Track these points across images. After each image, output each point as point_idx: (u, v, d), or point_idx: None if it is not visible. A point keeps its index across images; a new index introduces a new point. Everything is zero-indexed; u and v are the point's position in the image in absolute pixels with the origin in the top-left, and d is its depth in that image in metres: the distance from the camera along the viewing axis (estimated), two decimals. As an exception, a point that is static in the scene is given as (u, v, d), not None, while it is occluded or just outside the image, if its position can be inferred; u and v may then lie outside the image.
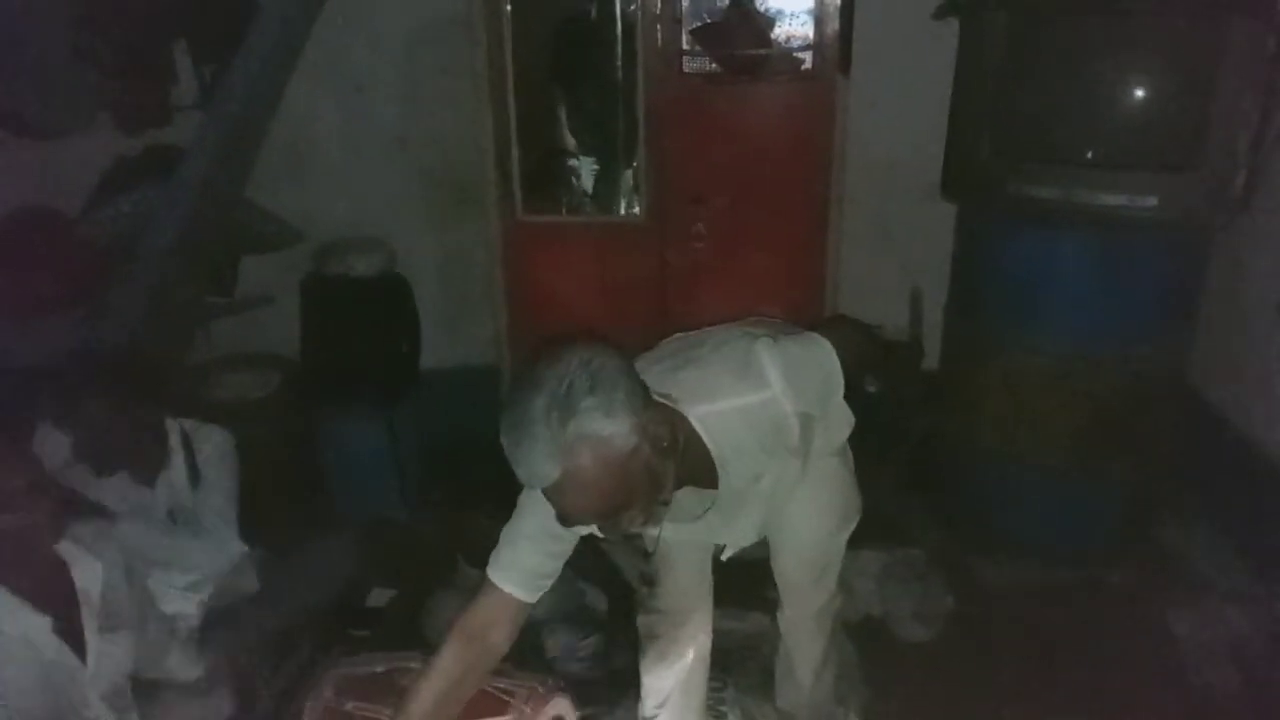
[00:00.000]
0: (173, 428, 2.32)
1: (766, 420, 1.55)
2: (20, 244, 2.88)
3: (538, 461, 1.30)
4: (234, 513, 2.38)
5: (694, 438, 1.51)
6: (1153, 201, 2.54)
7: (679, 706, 2.14)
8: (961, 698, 2.45)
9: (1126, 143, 2.62)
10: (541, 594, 1.63)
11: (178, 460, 2.32)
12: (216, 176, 2.86)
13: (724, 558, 1.93)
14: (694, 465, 1.53)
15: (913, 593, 2.80)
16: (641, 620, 2.15)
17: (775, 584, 2.12)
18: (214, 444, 2.37)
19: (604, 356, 1.36)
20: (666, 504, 1.50)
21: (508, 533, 1.61)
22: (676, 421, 1.48)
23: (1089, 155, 2.63)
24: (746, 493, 1.68)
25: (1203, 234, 2.78)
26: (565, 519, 1.40)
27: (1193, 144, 2.51)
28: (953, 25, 2.98)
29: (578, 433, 1.29)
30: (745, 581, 2.16)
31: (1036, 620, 2.72)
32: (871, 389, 1.99)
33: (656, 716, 2.14)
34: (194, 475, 2.33)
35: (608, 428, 1.31)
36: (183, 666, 2.06)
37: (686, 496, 1.61)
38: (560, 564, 1.63)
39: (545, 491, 1.35)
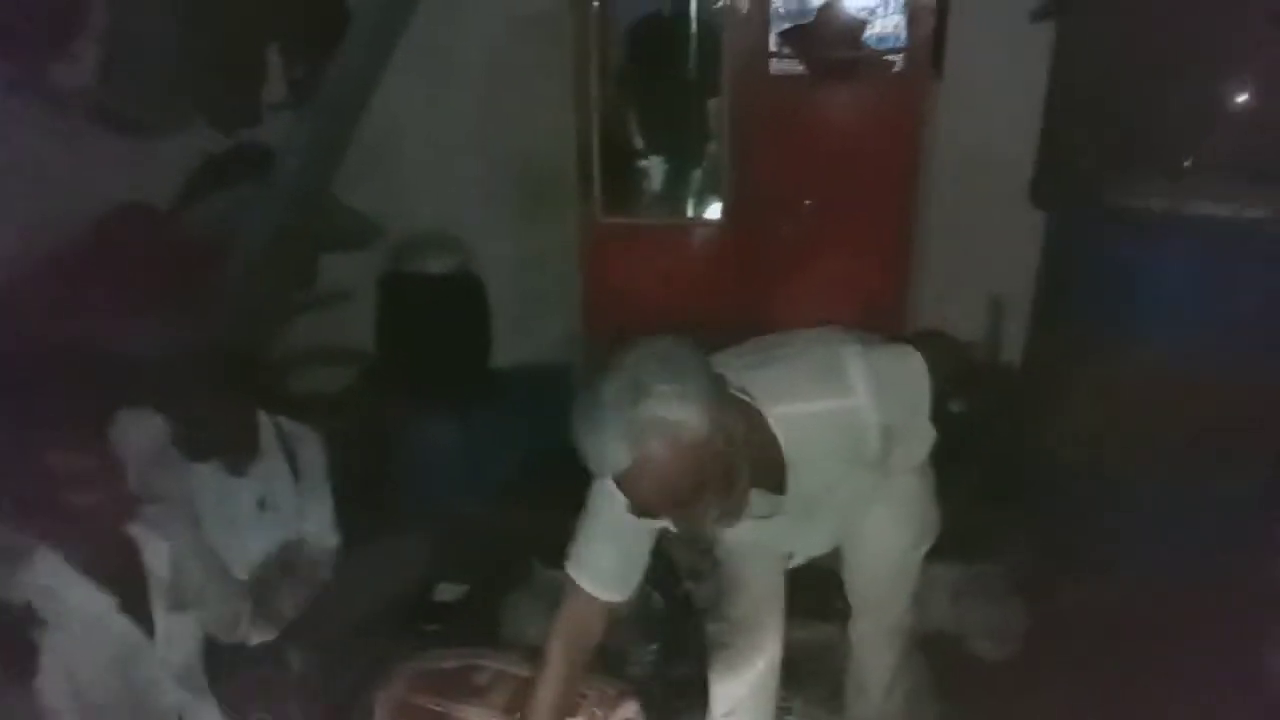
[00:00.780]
0: (265, 422, 2.40)
1: (847, 428, 1.52)
2: (119, 238, 2.98)
3: (609, 447, 1.30)
4: (331, 511, 2.51)
5: (769, 437, 1.49)
6: (1260, 213, 2.44)
7: (748, 716, 2.11)
8: (1036, 717, 2.39)
9: (1232, 151, 2.52)
10: (631, 590, 1.64)
11: (272, 453, 2.41)
12: (307, 176, 2.92)
13: (791, 564, 1.92)
14: (764, 466, 1.51)
15: (988, 608, 2.73)
16: (711, 628, 2.13)
17: (846, 595, 2.08)
18: (312, 443, 2.48)
19: (679, 348, 1.38)
20: (743, 501, 1.49)
21: (584, 532, 1.61)
22: (753, 419, 1.47)
23: (1191, 163, 2.54)
24: (818, 501, 1.66)
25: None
26: (636, 508, 1.39)
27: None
28: (1048, 27, 2.90)
29: (649, 417, 1.29)
30: (815, 591, 2.13)
31: (1118, 643, 2.62)
32: (956, 409, 1.94)
33: None
34: (294, 470, 2.43)
35: (680, 414, 1.31)
36: (256, 631, 2.12)
37: (754, 498, 1.58)
38: (643, 560, 1.63)
39: (616, 479, 1.34)
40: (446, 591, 2.88)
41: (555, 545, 2.37)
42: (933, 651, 2.52)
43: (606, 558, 1.59)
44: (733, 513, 1.49)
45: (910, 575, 2.03)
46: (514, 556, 2.86)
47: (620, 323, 3.66)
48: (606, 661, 2.47)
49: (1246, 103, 2.52)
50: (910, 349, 1.66)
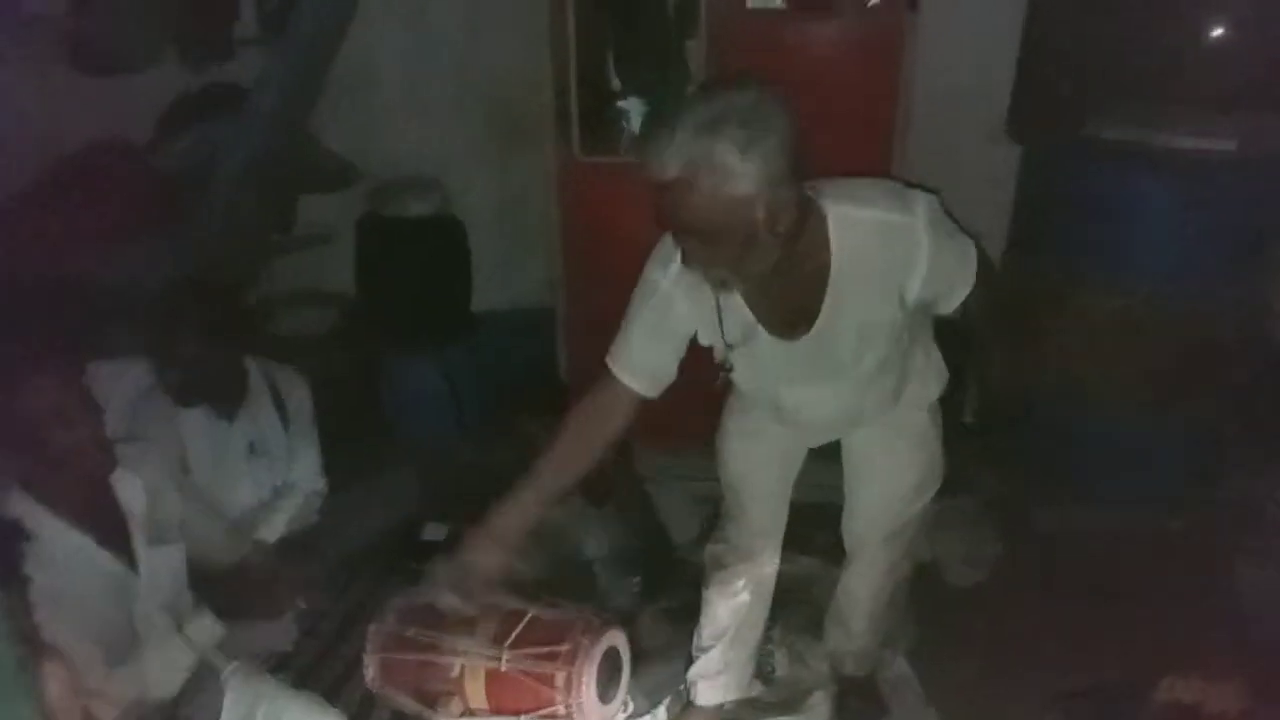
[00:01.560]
0: (251, 366, 2.40)
1: (899, 244, 1.54)
2: (93, 174, 2.93)
3: (662, 156, 1.37)
4: (318, 457, 2.55)
5: (822, 239, 1.52)
6: (1232, 144, 2.46)
7: (733, 642, 2.17)
8: (1008, 642, 2.45)
9: (1207, 82, 2.53)
10: (657, 389, 1.69)
11: (261, 398, 2.42)
12: (283, 111, 2.89)
13: (802, 417, 1.89)
14: (809, 271, 1.54)
15: (962, 537, 2.80)
16: (710, 549, 2.18)
17: (838, 534, 2.12)
18: (299, 389, 2.51)
19: (777, 110, 1.40)
20: (748, 281, 1.54)
21: (624, 328, 1.68)
22: (810, 214, 1.51)
23: (1167, 94, 2.56)
24: (842, 356, 1.67)
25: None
26: (658, 216, 1.46)
27: (1275, 84, 2.42)
28: (1026, -42, 2.89)
29: (706, 153, 1.35)
30: (798, 525, 2.17)
31: (1092, 567, 2.70)
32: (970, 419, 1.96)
33: (712, 648, 2.16)
34: (283, 416, 2.45)
35: (734, 164, 1.36)
36: (229, 550, 2.13)
37: (784, 311, 1.62)
38: (673, 361, 1.69)
39: (657, 184, 1.40)
40: (434, 531, 2.91)
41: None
42: (909, 579, 2.60)
43: (640, 351, 1.66)
44: (737, 280, 1.52)
45: (910, 523, 2.05)
46: (495, 493, 2.88)
47: (597, 263, 3.68)
48: (592, 594, 2.55)
49: (1217, 35, 2.52)
50: (970, 238, 1.68)
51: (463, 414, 3.49)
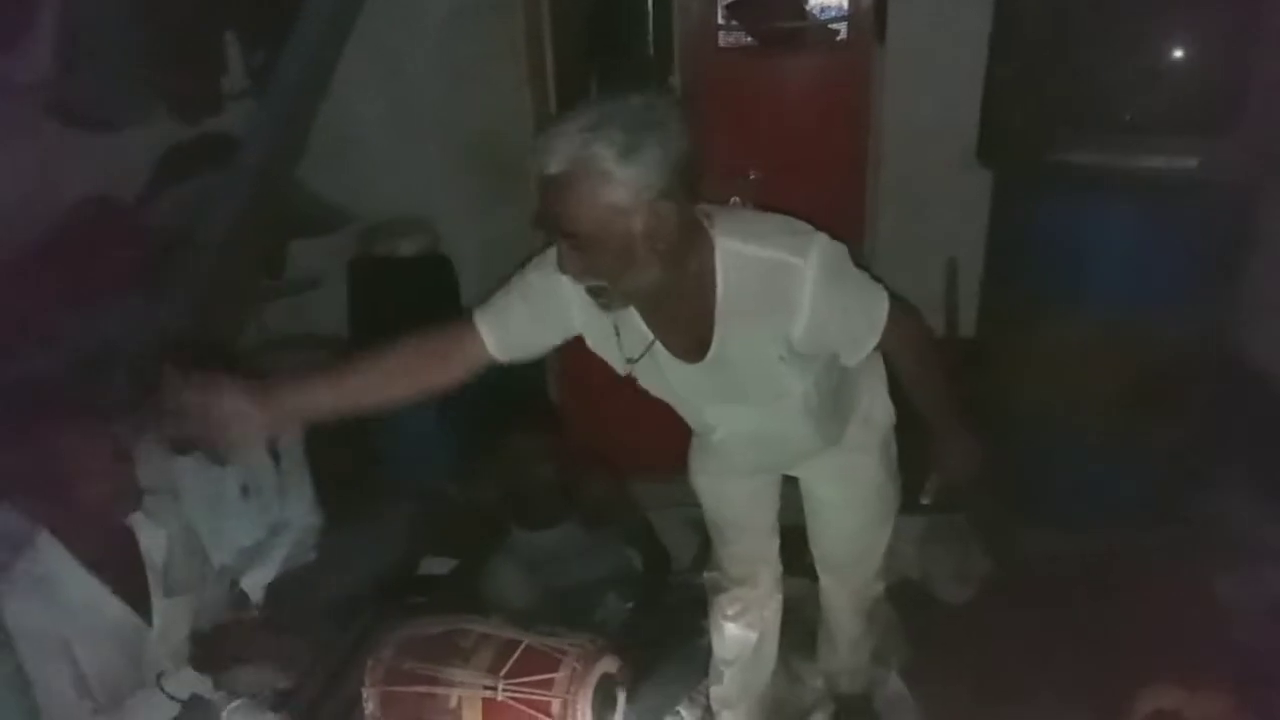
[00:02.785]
0: None
1: (780, 285, 1.46)
2: (83, 233, 2.99)
3: (548, 151, 1.32)
4: (311, 492, 2.57)
5: (709, 269, 1.46)
6: (1192, 163, 2.53)
7: (749, 667, 2.19)
8: (999, 656, 2.49)
9: (1165, 105, 2.60)
10: (507, 357, 1.60)
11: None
12: (270, 162, 2.95)
13: (716, 438, 1.84)
14: (696, 300, 1.48)
15: (952, 555, 2.85)
16: (708, 576, 2.20)
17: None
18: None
19: (670, 120, 1.35)
20: (627, 299, 1.47)
21: (509, 293, 1.60)
22: (699, 243, 1.45)
23: (1127, 119, 2.62)
24: (743, 385, 1.61)
25: (1244, 196, 2.75)
26: (538, 213, 1.41)
27: (1232, 105, 2.49)
28: (987, -9, 2.98)
29: (587, 155, 1.30)
30: (786, 546, 2.20)
31: (1075, 583, 2.74)
32: (926, 500, 1.88)
33: (726, 673, 2.18)
34: (274, 455, 2.48)
35: (611, 167, 1.30)
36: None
37: (679, 335, 1.56)
38: (544, 347, 1.62)
39: (540, 180, 1.36)
40: (432, 565, 2.95)
41: (531, 507, 2.46)
42: (900, 597, 2.64)
43: (514, 316, 1.58)
44: (614, 300, 1.46)
45: (873, 549, 2.08)
46: (491, 526, 2.93)
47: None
48: (589, 619, 2.59)
49: (1175, 60, 2.60)
50: (884, 292, 1.58)
51: (455, 447, 3.52)
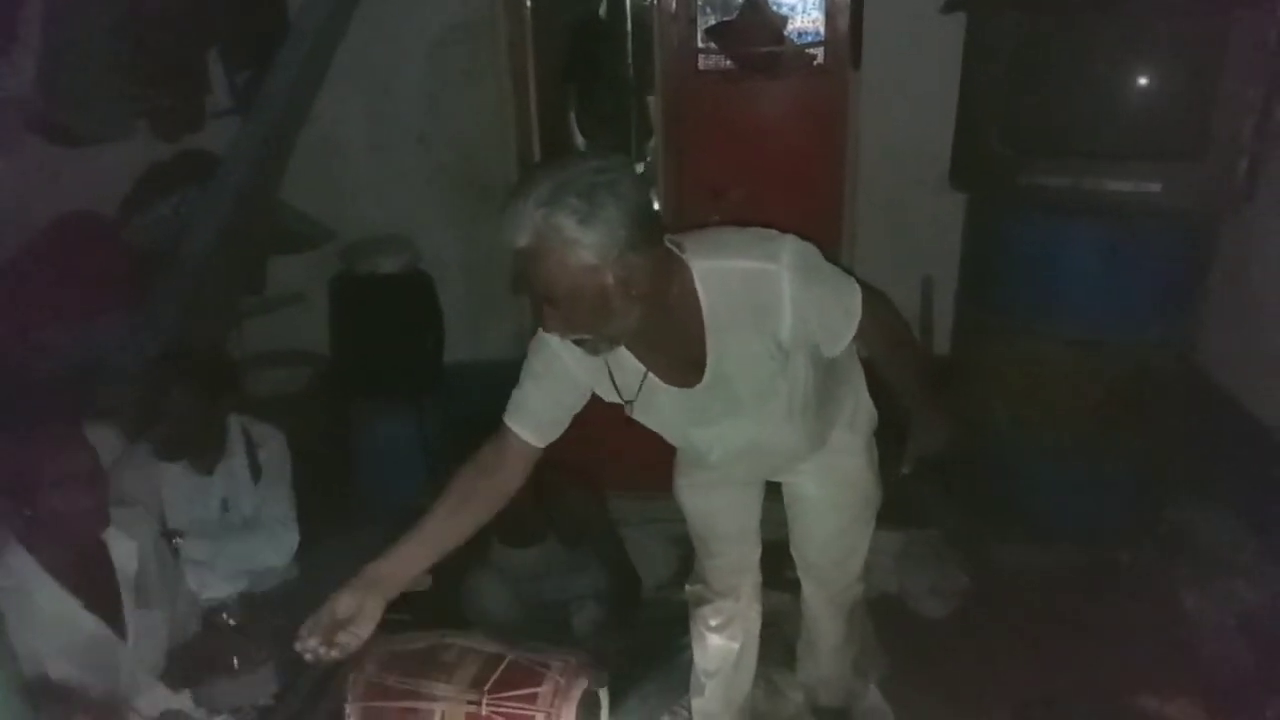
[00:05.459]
0: (233, 423, 2.46)
1: (760, 291, 1.52)
2: (65, 249, 2.98)
3: (512, 227, 1.38)
4: (292, 508, 2.55)
5: (690, 293, 1.51)
6: (1157, 188, 2.60)
7: (729, 682, 2.21)
8: (977, 671, 2.53)
9: (1132, 132, 2.68)
10: (548, 438, 1.66)
11: (238, 453, 2.47)
12: (252, 180, 2.96)
13: (712, 458, 1.88)
14: (684, 325, 1.53)
15: (929, 571, 2.88)
16: (690, 590, 2.22)
17: (796, 566, 2.19)
18: (274, 442, 2.54)
19: (623, 177, 1.40)
20: (615, 342, 1.52)
21: (519, 383, 1.67)
22: (675, 272, 1.50)
23: (1095, 145, 2.69)
24: (740, 395, 1.66)
25: (1209, 220, 2.83)
26: (515, 278, 1.47)
27: (1197, 132, 2.56)
28: (961, 19, 3.05)
29: (548, 223, 1.35)
30: (766, 561, 2.22)
31: (1049, 598, 2.79)
32: (906, 470, 1.91)
33: (708, 685, 2.20)
34: (255, 470, 2.48)
35: (575, 234, 1.35)
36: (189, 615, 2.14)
37: (674, 362, 1.61)
38: (569, 414, 1.68)
39: (511, 252, 1.41)
40: (409, 583, 2.94)
41: (513, 525, 2.46)
42: (878, 611, 2.66)
43: (533, 400, 1.64)
44: (600, 347, 1.51)
45: (856, 549, 2.11)
46: (473, 543, 2.92)
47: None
48: (567, 635, 2.60)
49: (1142, 88, 2.67)
50: (855, 283, 1.66)
51: (434, 466, 3.53)
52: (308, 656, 1.55)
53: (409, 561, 1.63)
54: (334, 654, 1.56)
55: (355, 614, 1.55)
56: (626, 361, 1.62)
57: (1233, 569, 2.75)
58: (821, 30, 3.56)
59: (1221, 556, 2.84)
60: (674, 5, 3.52)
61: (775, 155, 3.60)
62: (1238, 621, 2.56)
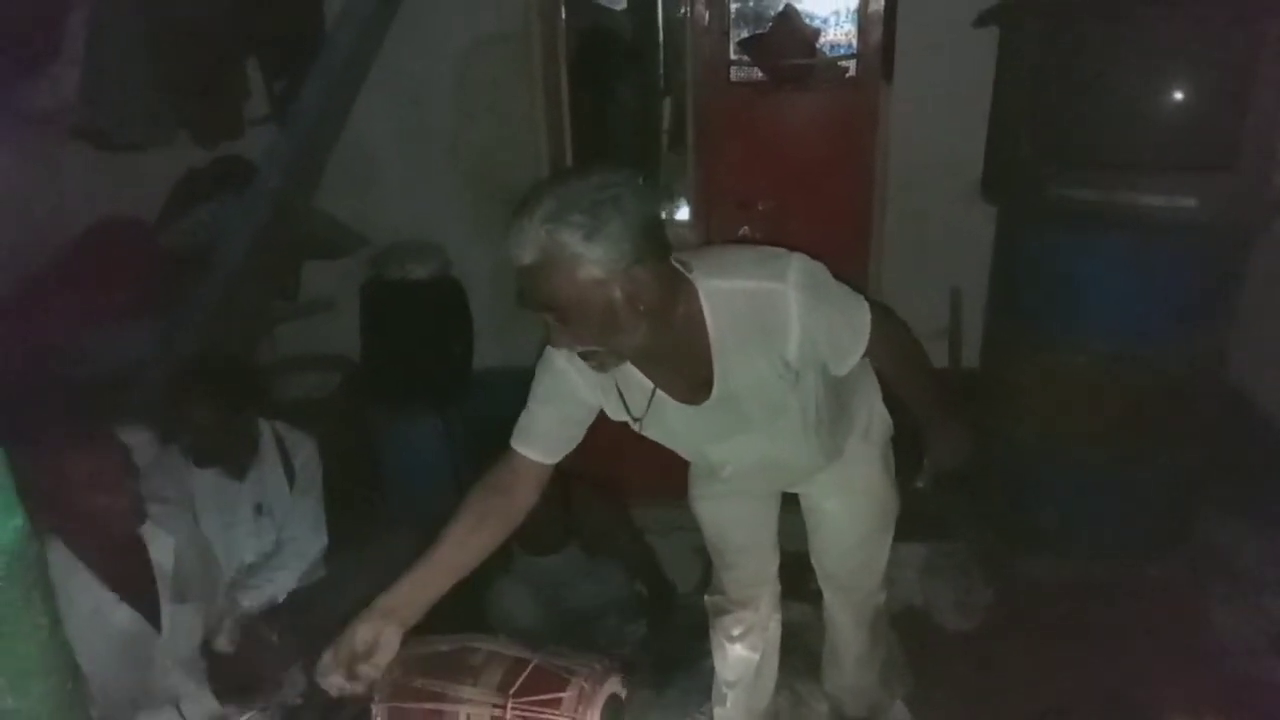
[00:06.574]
0: (265, 428, 2.50)
1: (767, 310, 1.51)
2: (104, 253, 3.05)
3: (517, 243, 1.38)
4: (323, 514, 2.59)
5: (697, 312, 1.51)
6: (1191, 202, 2.58)
7: (751, 691, 2.21)
8: (1002, 684, 2.52)
9: (1164, 144, 2.66)
10: (557, 456, 1.66)
11: (270, 458, 2.51)
12: (288, 187, 3.00)
13: (726, 473, 1.88)
14: (691, 344, 1.53)
15: (954, 584, 2.87)
16: (709, 599, 2.22)
17: (817, 576, 2.19)
18: (306, 448, 2.57)
19: (627, 191, 1.38)
20: (623, 358, 1.51)
21: (527, 404, 1.67)
22: (682, 291, 1.49)
23: (1126, 157, 2.67)
24: (750, 411, 1.65)
25: (1242, 233, 2.80)
26: (520, 294, 1.45)
27: (1230, 145, 2.55)
28: (993, 32, 3.05)
29: (552, 240, 1.35)
30: (788, 572, 2.23)
31: (1076, 613, 2.77)
32: (922, 484, 1.94)
33: (729, 695, 2.20)
34: (289, 475, 2.52)
35: (580, 249, 1.35)
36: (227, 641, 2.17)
37: (681, 379, 1.60)
38: (579, 431, 1.67)
39: (516, 269, 1.41)
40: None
41: (534, 534, 2.47)
42: (902, 624, 2.66)
43: (540, 420, 1.64)
44: (608, 363, 1.50)
45: (876, 558, 2.11)
46: (495, 552, 2.95)
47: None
48: (594, 643, 2.61)
49: (1175, 101, 2.65)
50: (864, 301, 1.65)
51: (461, 472, 3.56)
52: (332, 692, 1.56)
53: (425, 588, 1.61)
54: (357, 688, 1.56)
55: (373, 645, 1.55)
56: (634, 378, 1.63)
57: (1264, 586, 2.71)
58: (854, 43, 3.56)
59: (1252, 573, 2.81)
60: (707, 17, 3.53)
61: (806, 167, 3.60)
62: (1269, 640, 2.53)
